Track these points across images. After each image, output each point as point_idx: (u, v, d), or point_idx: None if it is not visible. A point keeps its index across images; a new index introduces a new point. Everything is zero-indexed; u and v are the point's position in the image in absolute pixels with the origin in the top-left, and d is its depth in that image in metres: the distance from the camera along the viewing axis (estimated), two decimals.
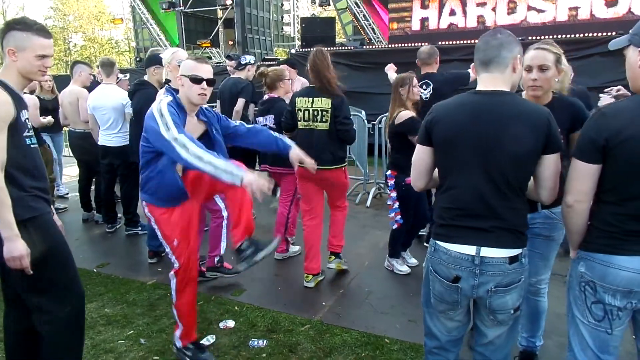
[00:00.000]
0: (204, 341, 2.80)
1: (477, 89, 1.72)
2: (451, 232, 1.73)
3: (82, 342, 2.28)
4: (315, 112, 3.28)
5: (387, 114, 5.67)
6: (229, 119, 2.68)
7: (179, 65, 2.95)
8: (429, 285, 1.83)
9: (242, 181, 2.06)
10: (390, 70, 4.68)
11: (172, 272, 2.53)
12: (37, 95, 5.20)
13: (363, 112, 6.30)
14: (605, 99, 3.74)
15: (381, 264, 3.88)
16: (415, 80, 3.42)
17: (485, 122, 1.63)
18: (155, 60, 3.84)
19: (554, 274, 3.63)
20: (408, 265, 3.77)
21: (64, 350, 2.16)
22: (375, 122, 5.92)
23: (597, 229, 1.64)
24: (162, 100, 2.29)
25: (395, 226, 3.61)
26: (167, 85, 2.49)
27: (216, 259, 3.62)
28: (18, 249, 1.87)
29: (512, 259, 1.66)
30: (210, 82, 2.35)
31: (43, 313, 2.09)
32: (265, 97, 4.08)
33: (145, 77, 4.06)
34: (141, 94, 3.85)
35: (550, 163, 1.64)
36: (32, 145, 2.03)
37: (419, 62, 4.22)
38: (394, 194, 3.50)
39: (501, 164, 1.62)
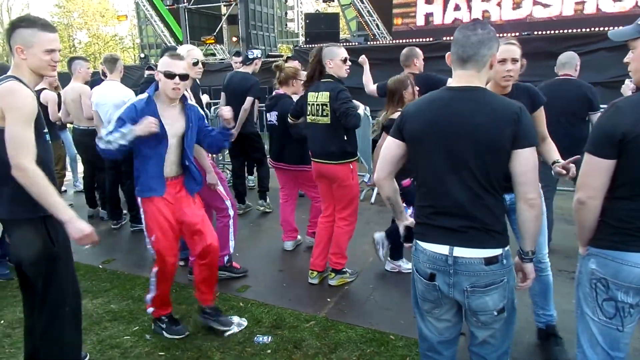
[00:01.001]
0: (235, 327, 2.91)
1: (451, 85, 1.70)
2: (426, 230, 1.72)
3: (80, 341, 2.34)
4: (318, 107, 3.27)
5: None
6: (206, 121, 2.84)
7: (194, 64, 3.28)
8: (415, 285, 1.82)
9: (135, 132, 2.35)
10: (366, 64, 4.72)
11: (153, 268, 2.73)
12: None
13: (367, 108, 6.26)
14: (628, 86, 3.77)
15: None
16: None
17: (452, 117, 1.62)
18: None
19: (560, 270, 3.62)
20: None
21: (61, 348, 2.19)
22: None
23: (609, 225, 1.61)
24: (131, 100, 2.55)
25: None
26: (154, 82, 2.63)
27: (225, 258, 3.53)
28: (86, 226, 1.96)
29: (489, 260, 1.61)
30: (183, 77, 2.52)
31: (44, 310, 2.12)
32: (274, 92, 4.08)
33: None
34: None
35: (522, 158, 1.58)
36: (48, 142, 2.10)
37: (401, 63, 4.21)
38: None
39: (467, 158, 1.59)
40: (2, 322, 3.03)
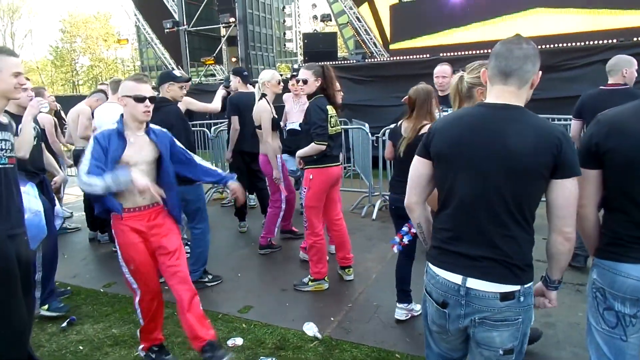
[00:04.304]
0: (230, 342, 2.95)
1: (486, 101, 1.57)
2: (441, 256, 1.60)
3: None
4: (336, 118, 3.62)
5: (390, 125, 5.70)
6: (183, 148, 2.75)
7: (277, 83, 4.30)
8: (426, 305, 1.73)
9: (133, 182, 2.25)
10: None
11: (136, 301, 2.63)
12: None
13: (366, 124, 6.31)
14: None
15: (389, 276, 3.82)
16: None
17: (483, 137, 1.48)
18: (169, 77, 3.79)
19: (565, 282, 3.59)
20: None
21: None
22: (379, 135, 5.92)
23: (606, 235, 1.64)
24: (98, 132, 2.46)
25: (397, 250, 2.88)
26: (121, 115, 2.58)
27: (269, 239, 4.48)
28: None
29: (505, 296, 1.48)
30: (152, 100, 2.50)
31: None
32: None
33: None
34: (167, 111, 3.65)
35: (563, 189, 1.44)
36: None
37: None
38: None
39: (498, 183, 1.46)
40: None
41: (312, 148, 3.45)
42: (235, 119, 4.79)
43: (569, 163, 1.44)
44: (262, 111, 4.15)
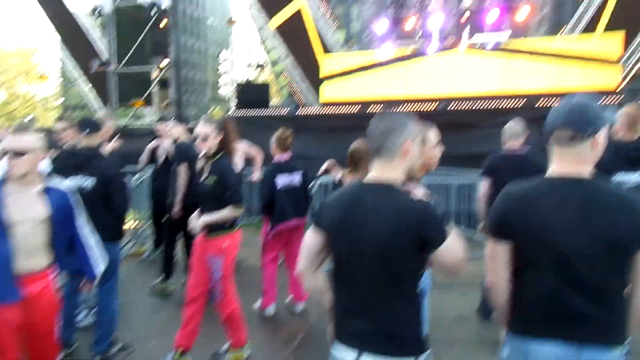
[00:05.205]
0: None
1: (368, 175, 1.64)
2: (338, 329, 1.61)
3: None
4: None
5: (325, 178, 5.74)
6: (81, 225, 2.48)
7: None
8: None
9: None
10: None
11: None
12: None
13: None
14: None
15: None
16: None
17: (356, 216, 1.54)
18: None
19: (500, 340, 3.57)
20: None
21: None
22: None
23: (514, 309, 1.61)
24: None
25: None
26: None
27: None
28: None
29: None
30: (15, 154, 2.17)
31: None
32: (281, 157, 4.17)
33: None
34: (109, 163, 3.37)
35: (441, 257, 1.51)
36: None
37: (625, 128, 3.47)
38: None
39: (371, 261, 1.51)
40: None
41: (231, 212, 3.09)
42: (184, 167, 4.40)
43: (437, 234, 1.49)
44: None
